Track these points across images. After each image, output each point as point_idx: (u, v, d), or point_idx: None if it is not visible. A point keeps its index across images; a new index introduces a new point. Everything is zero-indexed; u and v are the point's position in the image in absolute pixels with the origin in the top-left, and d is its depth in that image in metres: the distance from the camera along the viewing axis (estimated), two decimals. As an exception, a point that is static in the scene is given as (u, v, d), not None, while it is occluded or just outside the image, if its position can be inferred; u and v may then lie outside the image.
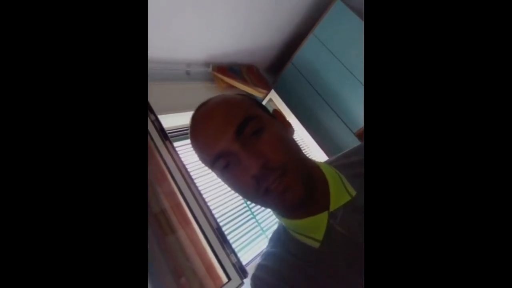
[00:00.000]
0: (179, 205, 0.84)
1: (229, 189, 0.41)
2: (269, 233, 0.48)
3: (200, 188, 0.88)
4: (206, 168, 0.40)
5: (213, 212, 0.85)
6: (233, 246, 0.82)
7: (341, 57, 1.52)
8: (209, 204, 0.86)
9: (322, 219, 0.38)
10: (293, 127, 0.42)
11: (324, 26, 1.54)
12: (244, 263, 0.88)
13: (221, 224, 0.86)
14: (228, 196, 1.36)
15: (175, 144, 1.02)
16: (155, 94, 1.14)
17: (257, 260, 0.44)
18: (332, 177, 0.40)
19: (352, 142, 1.54)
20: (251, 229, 1.37)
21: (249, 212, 1.42)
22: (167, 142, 0.89)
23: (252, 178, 0.33)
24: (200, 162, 0.41)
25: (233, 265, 0.77)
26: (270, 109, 0.44)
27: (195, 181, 0.88)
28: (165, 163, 0.86)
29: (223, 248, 0.79)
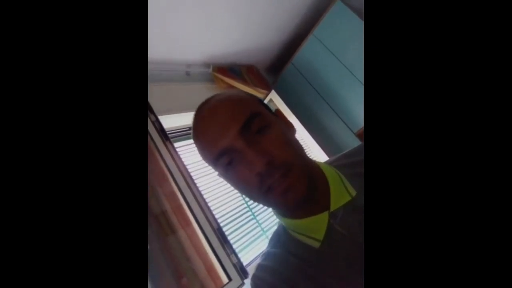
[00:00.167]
0: (179, 205, 0.84)
1: (229, 189, 0.41)
2: (270, 234, 0.48)
3: (200, 189, 0.88)
4: (207, 168, 0.41)
5: (214, 212, 0.85)
6: (234, 246, 0.82)
7: (341, 57, 1.52)
8: (209, 204, 0.86)
9: (322, 219, 0.38)
10: (295, 127, 0.42)
11: (324, 26, 1.54)
12: (244, 263, 0.88)
13: (221, 224, 0.86)
14: (228, 197, 1.36)
15: (176, 144, 1.02)
16: (155, 95, 1.15)
17: (258, 260, 0.44)
18: (332, 177, 0.40)
19: (352, 142, 1.54)
20: (252, 229, 1.37)
21: (249, 213, 1.42)
22: (167, 143, 0.89)
23: (256, 176, 0.33)
24: (201, 162, 0.41)
25: (234, 265, 0.77)
26: (272, 109, 0.44)
27: (196, 181, 0.88)
28: (166, 164, 0.86)
29: (224, 248, 0.79)
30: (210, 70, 1.50)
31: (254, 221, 1.41)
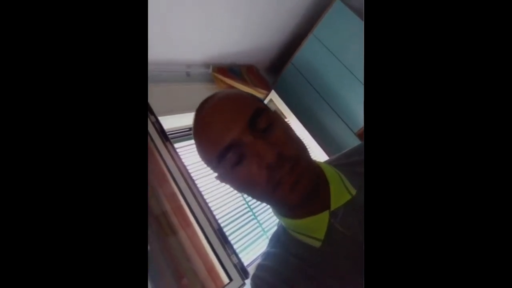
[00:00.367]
0: (180, 206, 0.84)
1: (230, 190, 0.40)
2: (271, 234, 0.48)
3: (201, 189, 0.88)
4: (207, 169, 0.40)
5: (214, 213, 0.85)
6: (235, 247, 0.82)
7: (341, 57, 1.52)
8: (210, 205, 0.86)
9: (323, 218, 0.38)
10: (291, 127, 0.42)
11: (324, 26, 1.54)
12: (246, 264, 0.88)
13: (222, 225, 0.86)
14: (229, 197, 1.36)
15: (176, 145, 1.02)
16: (155, 95, 1.15)
17: (258, 260, 0.44)
18: (332, 176, 0.40)
19: (353, 142, 1.54)
20: (253, 230, 1.38)
21: (250, 213, 1.42)
22: (167, 144, 0.89)
23: (266, 168, 0.32)
24: (201, 163, 0.40)
25: (235, 266, 0.77)
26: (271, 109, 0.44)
27: (196, 182, 0.89)
28: (166, 165, 0.86)
29: (224, 249, 0.79)
30: (210, 70, 1.50)
31: (255, 221, 1.41)
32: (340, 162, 0.45)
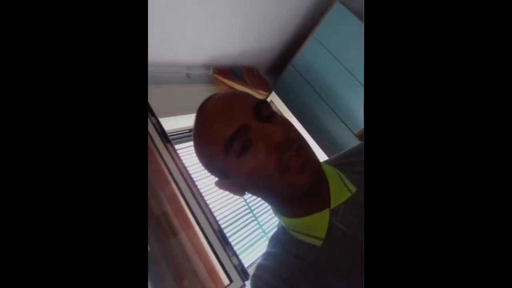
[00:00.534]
0: (180, 207, 0.84)
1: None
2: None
3: (201, 191, 0.88)
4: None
5: (215, 214, 0.85)
6: (235, 248, 0.82)
7: (341, 58, 1.52)
8: (210, 206, 0.86)
9: (323, 216, 0.38)
10: None
11: (324, 28, 1.54)
12: (246, 265, 0.88)
13: (222, 226, 0.86)
14: (229, 199, 1.36)
15: (176, 146, 1.02)
16: (155, 97, 1.15)
17: (258, 260, 0.44)
18: (332, 175, 0.40)
19: (353, 144, 1.51)
20: (253, 231, 1.37)
21: (250, 214, 1.42)
22: (168, 145, 0.90)
23: (275, 149, 0.33)
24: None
25: (235, 267, 0.77)
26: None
27: (197, 183, 0.89)
28: (167, 166, 0.86)
29: (225, 250, 0.78)
30: (211, 72, 1.50)
31: (255, 222, 1.41)
32: (338, 162, 0.45)
